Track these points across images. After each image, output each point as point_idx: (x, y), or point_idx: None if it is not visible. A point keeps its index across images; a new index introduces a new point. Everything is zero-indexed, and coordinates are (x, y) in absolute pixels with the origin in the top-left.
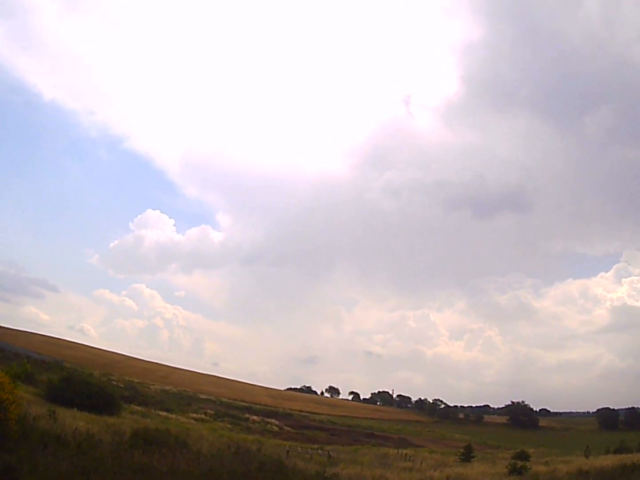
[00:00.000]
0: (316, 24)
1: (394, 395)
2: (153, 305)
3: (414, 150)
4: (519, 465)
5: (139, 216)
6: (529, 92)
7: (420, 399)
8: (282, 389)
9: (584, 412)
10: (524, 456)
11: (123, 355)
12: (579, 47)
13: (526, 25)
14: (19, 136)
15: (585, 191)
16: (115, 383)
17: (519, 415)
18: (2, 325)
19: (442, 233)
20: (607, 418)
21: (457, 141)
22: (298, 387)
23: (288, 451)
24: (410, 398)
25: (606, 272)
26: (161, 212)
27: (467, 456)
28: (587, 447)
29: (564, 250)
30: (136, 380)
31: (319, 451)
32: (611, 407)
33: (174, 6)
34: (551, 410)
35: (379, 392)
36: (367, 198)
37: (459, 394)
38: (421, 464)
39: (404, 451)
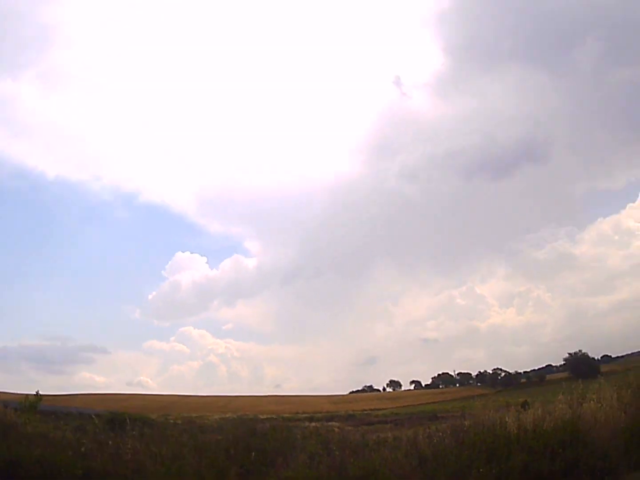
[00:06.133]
0: (300, 31)
1: (455, 374)
2: (204, 344)
3: (418, 129)
4: None
5: (169, 262)
6: (511, 44)
7: (480, 372)
8: (345, 393)
9: None
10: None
11: (180, 395)
12: None
13: None
14: (35, 217)
15: (594, 126)
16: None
17: (579, 366)
18: (58, 393)
19: (467, 202)
20: None
21: (458, 110)
22: (360, 388)
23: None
24: (470, 374)
25: (633, 201)
26: (190, 252)
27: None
28: None
29: (588, 191)
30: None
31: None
32: None
33: (152, 44)
34: (613, 356)
35: (439, 374)
36: (386, 188)
37: (520, 359)
38: None
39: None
